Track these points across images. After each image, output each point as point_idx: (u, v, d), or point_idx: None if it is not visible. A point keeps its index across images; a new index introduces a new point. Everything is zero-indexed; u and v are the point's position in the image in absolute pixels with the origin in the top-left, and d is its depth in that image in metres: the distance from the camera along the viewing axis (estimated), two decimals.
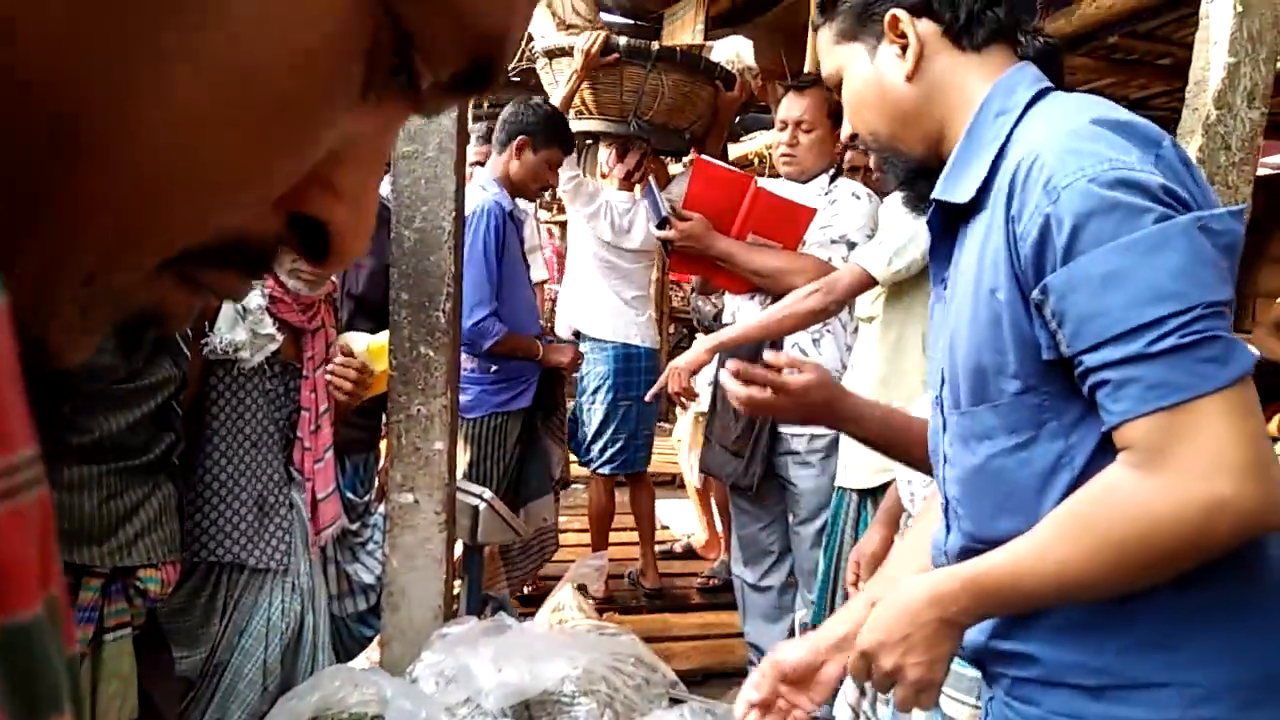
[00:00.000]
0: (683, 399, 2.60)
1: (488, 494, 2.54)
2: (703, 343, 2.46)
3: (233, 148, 0.28)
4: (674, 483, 4.97)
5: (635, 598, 3.93)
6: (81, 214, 0.27)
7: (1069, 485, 0.97)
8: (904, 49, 1.11)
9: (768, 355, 1.44)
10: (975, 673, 1.45)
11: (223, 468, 1.83)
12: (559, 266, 5.07)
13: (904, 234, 2.28)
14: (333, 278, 1.96)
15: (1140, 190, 0.88)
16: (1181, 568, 0.90)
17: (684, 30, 4.61)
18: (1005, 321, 0.98)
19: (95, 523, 1.51)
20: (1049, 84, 1.06)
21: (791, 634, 2.95)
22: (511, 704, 1.84)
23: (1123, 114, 0.94)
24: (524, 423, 3.22)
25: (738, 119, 4.48)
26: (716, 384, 3.06)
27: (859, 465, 2.48)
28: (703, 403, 4.17)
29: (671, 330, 7.06)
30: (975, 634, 1.05)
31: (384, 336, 2.18)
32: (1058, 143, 0.94)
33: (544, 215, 3.78)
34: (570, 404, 4.02)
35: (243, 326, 1.81)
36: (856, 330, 2.66)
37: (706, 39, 4.23)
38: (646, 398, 2.87)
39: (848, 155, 2.97)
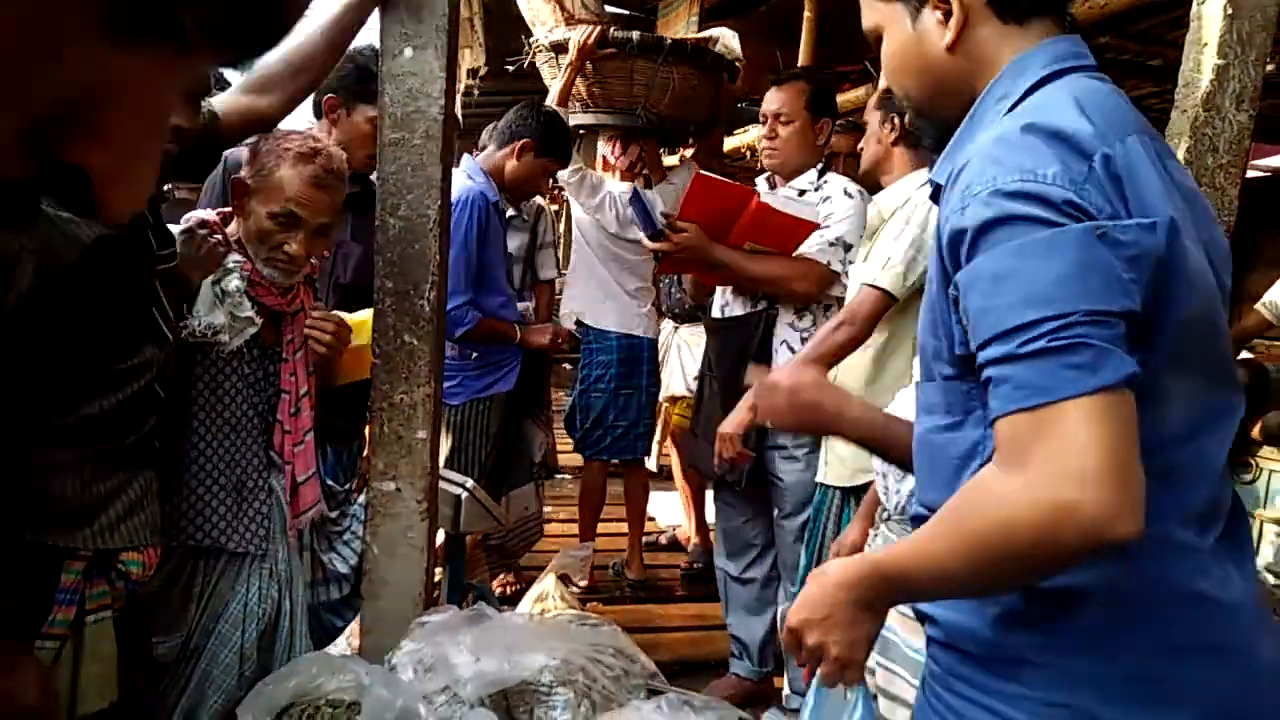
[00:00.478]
0: (738, 462, 2.55)
1: (469, 483, 2.53)
2: (744, 404, 2.43)
3: None
4: (661, 474, 4.97)
5: (619, 588, 3.94)
6: None
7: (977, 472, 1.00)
8: (947, 16, 1.08)
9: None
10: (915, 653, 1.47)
11: (201, 451, 1.82)
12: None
13: (911, 245, 2.29)
14: (313, 260, 1.95)
15: (1040, 202, 0.89)
16: (1041, 572, 0.92)
17: (678, 22, 4.60)
18: (937, 310, 1.02)
19: (77, 505, 1.50)
20: (1067, 64, 1.04)
21: (774, 627, 2.96)
22: (489, 693, 1.84)
23: (1066, 122, 0.94)
24: (506, 407, 3.22)
25: (740, 104, 4.50)
26: (701, 378, 3.06)
27: (840, 464, 2.49)
28: (671, 387, 4.19)
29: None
30: None
31: (366, 313, 2.18)
32: (985, 148, 0.96)
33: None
34: (562, 393, 4.05)
35: (221, 310, 1.80)
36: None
37: (700, 32, 4.22)
38: (716, 465, 2.74)
39: (831, 139, 2.99)
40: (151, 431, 1.64)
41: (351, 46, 2.07)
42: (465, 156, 3.30)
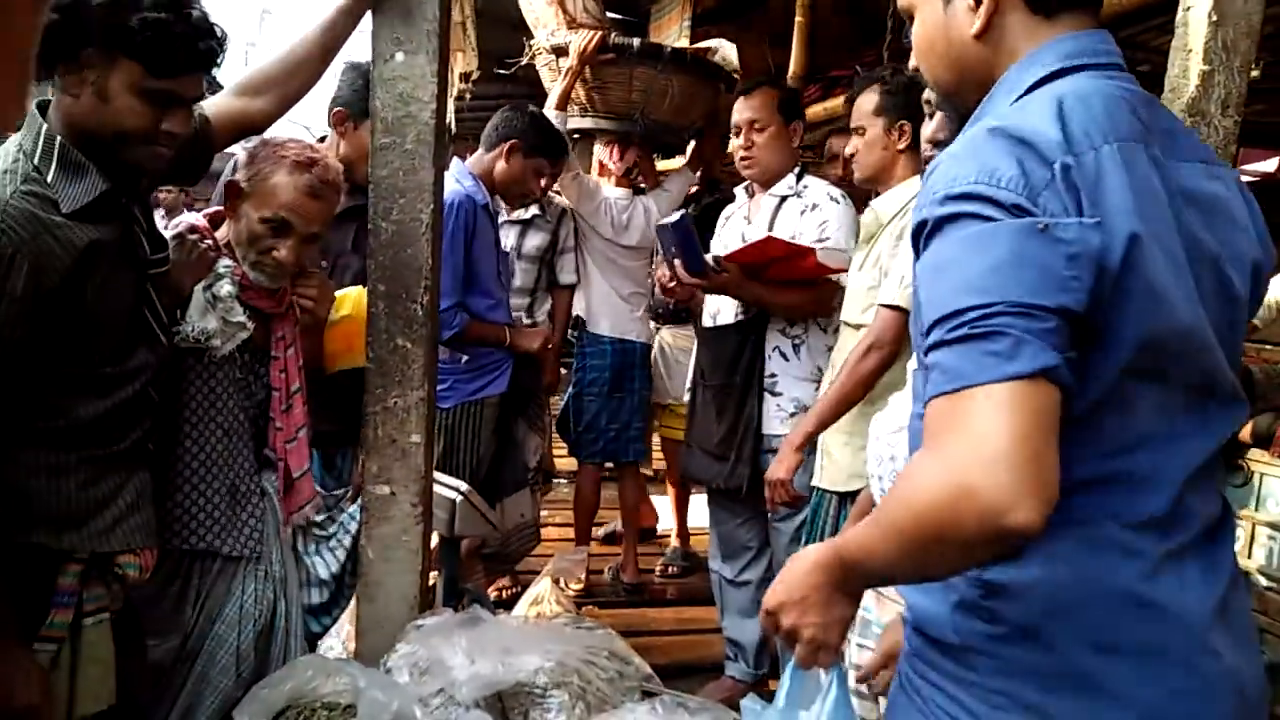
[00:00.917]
0: (793, 505, 2.54)
1: (464, 486, 2.54)
2: (791, 442, 2.43)
3: None
4: (656, 478, 4.98)
5: (615, 592, 3.94)
6: None
7: None
8: (977, 2, 1.08)
9: None
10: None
11: (195, 455, 1.83)
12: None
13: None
14: (307, 263, 1.96)
15: (988, 203, 0.91)
16: (953, 557, 0.92)
17: (670, 27, 4.62)
18: (916, 301, 1.04)
19: (74, 508, 1.51)
20: (1075, 62, 1.03)
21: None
22: (484, 695, 1.85)
23: (1034, 127, 0.95)
24: (499, 411, 3.22)
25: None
26: (695, 389, 3.07)
27: (835, 468, 2.50)
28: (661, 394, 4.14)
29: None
30: None
31: (356, 288, 2.19)
32: (954, 150, 0.99)
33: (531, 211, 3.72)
34: (560, 398, 4.04)
35: (214, 315, 1.80)
36: (837, 330, 2.67)
37: (693, 38, 4.25)
38: (770, 511, 2.70)
39: (829, 142, 2.99)
40: (146, 435, 1.65)
41: (361, 59, 2.08)
42: (455, 160, 3.30)
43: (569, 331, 3.91)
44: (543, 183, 3.28)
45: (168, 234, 1.78)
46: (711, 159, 4.18)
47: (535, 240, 3.65)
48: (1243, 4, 1.88)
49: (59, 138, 1.47)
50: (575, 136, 3.88)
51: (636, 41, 3.46)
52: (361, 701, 1.75)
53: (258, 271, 1.86)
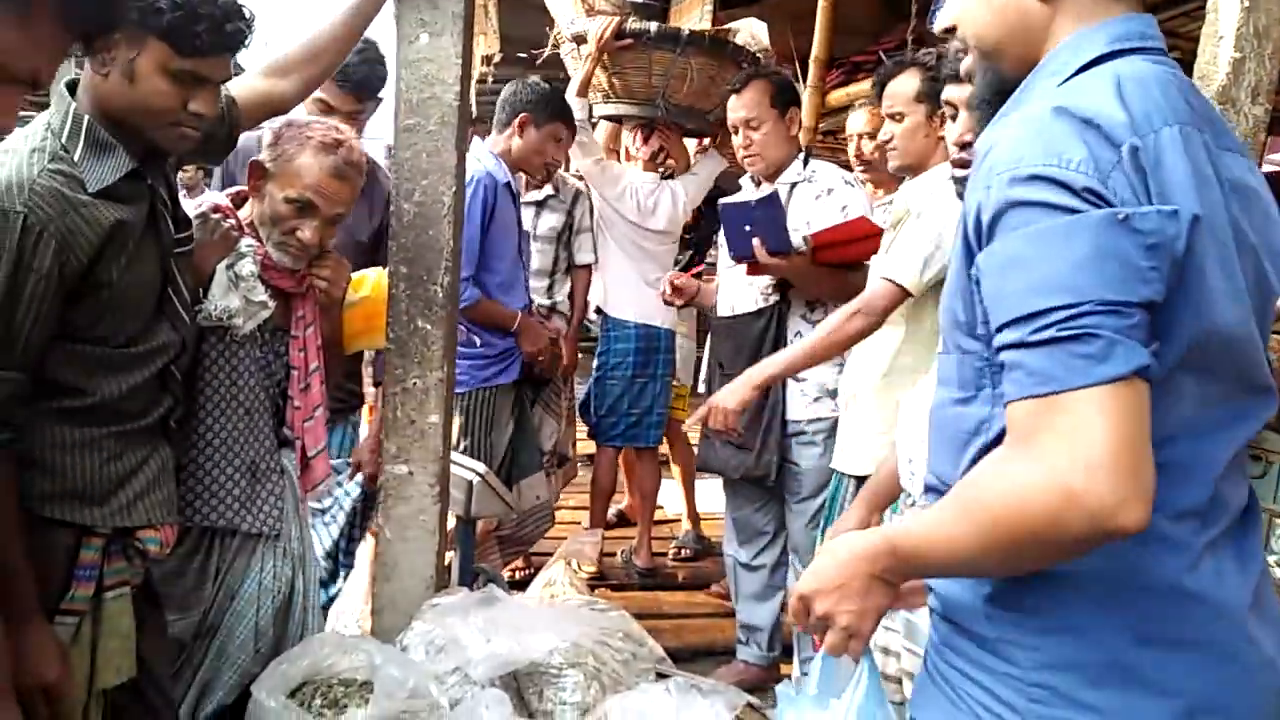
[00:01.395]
0: (726, 435, 2.53)
1: (482, 468, 2.55)
2: (749, 378, 2.40)
3: None
4: (667, 463, 4.99)
5: (628, 574, 3.96)
6: None
7: (981, 450, 1.01)
8: None
9: None
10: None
11: (215, 433, 1.84)
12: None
13: (929, 241, 2.25)
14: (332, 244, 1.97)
15: (1060, 188, 0.89)
16: (1048, 557, 0.92)
17: (691, 11, 4.58)
18: (958, 284, 1.02)
19: (97, 484, 1.53)
20: (1127, 45, 1.01)
21: (782, 612, 2.98)
22: (499, 674, 1.87)
23: (1099, 108, 0.93)
24: (514, 396, 3.23)
25: None
26: (710, 378, 3.07)
27: (857, 451, 2.49)
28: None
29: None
30: None
31: (374, 270, 2.19)
32: (1014, 129, 0.95)
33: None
34: (583, 382, 4.05)
35: (236, 293, 1.82)
36: None
37: (715, 20, 4.21)
38: (686, 424, 2.76)
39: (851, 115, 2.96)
40: (168, 412, 1.67)
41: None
42: (475, 139, 3.31)
43: (587, 316, 3.92)
44: (562, 146, 3.29)
45: (191, 213, 1.79)
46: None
47: (550, 221, 3.65)
48: None
49: (87, 117, 1.48)
50: (595, 122, 3.87)
51: (653, 26, 3.45)
52: (378, 678, 1.77)
53: (281, 251, 1.87)
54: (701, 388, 3.24)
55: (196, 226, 1.77)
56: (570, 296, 3.73)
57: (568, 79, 3.72)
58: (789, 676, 2.85)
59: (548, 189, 3.62)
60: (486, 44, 4.46)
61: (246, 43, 1.56)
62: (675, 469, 4.38)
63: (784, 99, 2.90)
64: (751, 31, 3.70)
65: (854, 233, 2.69)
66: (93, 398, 1.51)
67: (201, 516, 1.83)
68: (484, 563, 3.10)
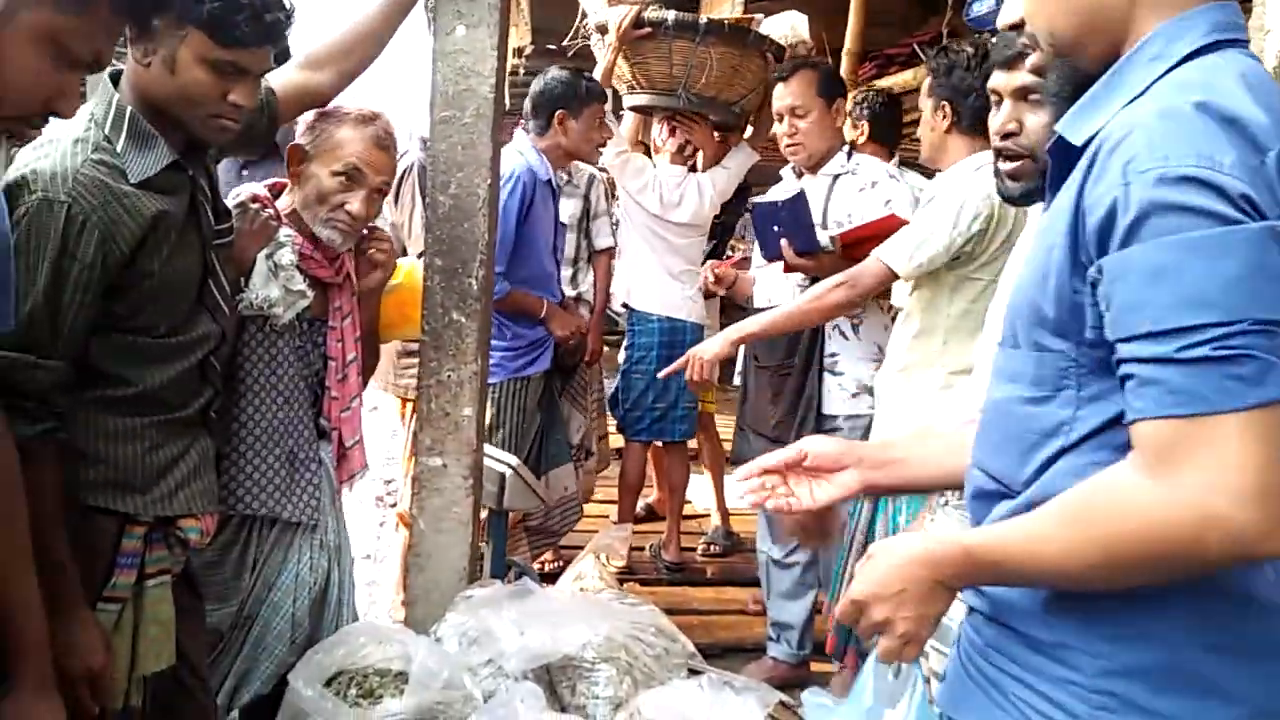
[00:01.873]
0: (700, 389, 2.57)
1: (514, 461, 2.56)
2: (727, 334, 2.44)
3: None
4: (696, 459, 4.97)
5: (656, 569, 3.95)
6: None
7: (1057, 452, 0.97)
8: None
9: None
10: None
11: (256, 421, 1.86)
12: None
13: (926, 229, 2.27)
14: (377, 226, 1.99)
15: (1217, 193, 0.84)
16: (1172, 575, 0.90)
17: (722, 3, 4.56)
18: (1052, 280, 0.96)
19: (139, 472, 1.54)
20: (1226, 35, 0.96)
21: (816, 611, 2.97)
22: (533, 667, 1.87)
23: (1241, 108, 0.87)
24: (544, 387, 3.24)
25: None
26: (745, 372, 3.06)
27: None
28: None
29: None
30: None
31: (408, 260, 2.20)
32: (1151, 123, 0.89)
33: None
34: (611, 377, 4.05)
35: (275, 283, 1.83)
36: (893, 316, 2.67)
37: (747, 12, 4.19)
38: (660, 374, 2.84)
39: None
40: (209, 402, 1.68)
41: None
42: (519, 132, 3.32)
43: (611, 307, 3.92)
44: (604, 123, 3.34)
45: (230, 204, 1.81)
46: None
47: (569, 208, 3.65)
48: None
49: (129, 108, 1.49)
50: (621, 114, 3.86)
51: (671, 15, 3.41)
52: (412, 669, 1.78)
53: (330, 229, 1.88)
54: (737, 379, 3.22)
55: (236, 217, 1.78)
56: (593, 281, 3.74)
57: (586, 67, 3.71)
58: (817, 676, 2.83)
59: (561, 175, 3.62)
60: (518, 36, 4.47)
61: (286, 34, 1.57)
62: (707, 464, 4.37)
63: (830, 89, 2.89)
64: (792, 24, 3.67)
65: (882, 229, 2.66)
66: (135, 387, 1.53)
67: (244, 505, 1.84)
68: (513, 554, 3.11)
